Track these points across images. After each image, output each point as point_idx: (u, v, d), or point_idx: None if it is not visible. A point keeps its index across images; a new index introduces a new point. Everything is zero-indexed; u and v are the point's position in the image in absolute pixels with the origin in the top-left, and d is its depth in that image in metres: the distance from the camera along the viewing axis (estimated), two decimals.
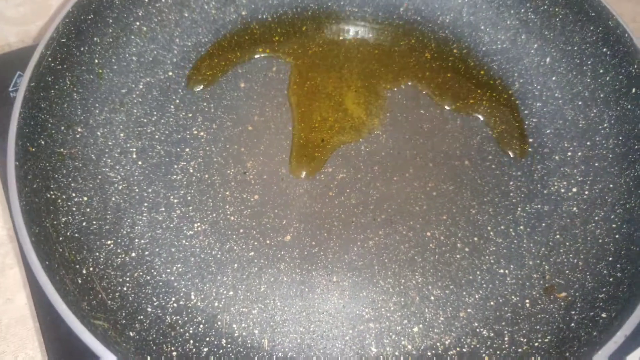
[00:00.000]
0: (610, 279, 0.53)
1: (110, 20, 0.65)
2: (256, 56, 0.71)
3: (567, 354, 0.47)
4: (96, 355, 0.44)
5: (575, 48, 0.66)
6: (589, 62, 0.65)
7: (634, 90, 0.59)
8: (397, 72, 0.70)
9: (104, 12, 0.64)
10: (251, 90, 0.68)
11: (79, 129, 0.60)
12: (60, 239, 0.52)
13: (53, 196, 0.54)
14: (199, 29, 0.72)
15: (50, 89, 0.58)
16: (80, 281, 0.51)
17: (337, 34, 0.73)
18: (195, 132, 0.65)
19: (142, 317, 0.53)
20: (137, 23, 0.68)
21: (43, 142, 0.56)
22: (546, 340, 0.51)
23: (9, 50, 0.74)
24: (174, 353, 0.51)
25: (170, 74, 0.69)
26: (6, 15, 0.74)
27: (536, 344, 0.51)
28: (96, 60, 0.64)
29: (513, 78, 0.70)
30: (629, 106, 0.60)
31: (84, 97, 0.62)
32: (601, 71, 0.63)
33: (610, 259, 0.54)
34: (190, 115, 0.66)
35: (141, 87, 0.67)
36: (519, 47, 0.71)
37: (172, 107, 0.67)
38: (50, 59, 0.58)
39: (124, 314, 0.51)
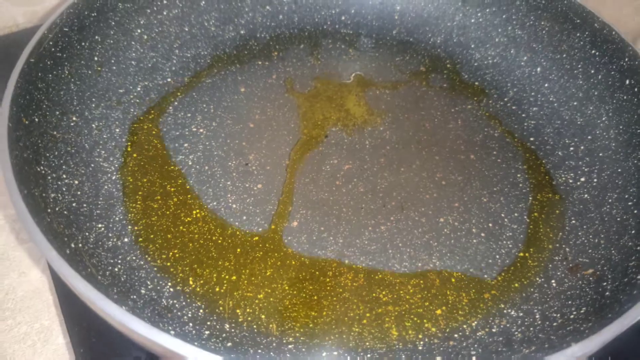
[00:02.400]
0: (638, 248, 0.50)
1: (113, 23, 0.65)
2: (256, 66, 0.71)
3: (610, 316, 0.43)
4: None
5: (564, 55, 0.69)
6: (579, 66, 0.67)
7: (627, 81, 0.61)
8: (394, 81, 0.71)
9: (107, 13, 0.64)
10: (252, 94, 0.68)
11: (74, 118, 0.58)
12: (49, 210, 0.47)
13: (42, 171, 0.50)
14: (199, 43, 0.73)
15: (49, 72, 0.56)
16: (68, 252, 0.45)
17: (334, 50, 0.75)
18: (195, 129, 0.63)
19: (135, 296, 0.47)
20: (139, 30, 0.68)
21: (37, 120, 0.53)
22: (582, 311, 0.47)
23: (17, 30, 0.73)
24: (172, 332, 0.44)
25: (169, 80, 0.68)
26: None
27: (572, 317, 0.47)
28: (96, 58, 0.63)
29: (507, 87, 0.72)
30: (625, 97, 0.61)
31: (81, 89, 0.60)
32: (592, 71, 0.66)
33: (633, 232, 0.52)
34: (189, 115, 0.65)
35: (139, 89, 0.66)
36: (509, 60, 0.74)
37: (170, 108, 0.65)
38: (51, 43, 0.57)
39: (115, 290, 0.46)
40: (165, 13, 0.71)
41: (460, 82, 0.72)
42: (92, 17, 0.62)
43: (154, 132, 0.62)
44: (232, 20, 0.76)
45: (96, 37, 0.63)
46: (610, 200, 0.57)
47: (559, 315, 0.48)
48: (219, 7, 0.75)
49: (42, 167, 0.50)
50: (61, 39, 0.58)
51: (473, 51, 0.76)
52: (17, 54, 0.68)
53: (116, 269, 0.48)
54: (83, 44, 0.61)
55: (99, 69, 0.63)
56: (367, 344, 0.47)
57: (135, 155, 0.59)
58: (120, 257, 0.50)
